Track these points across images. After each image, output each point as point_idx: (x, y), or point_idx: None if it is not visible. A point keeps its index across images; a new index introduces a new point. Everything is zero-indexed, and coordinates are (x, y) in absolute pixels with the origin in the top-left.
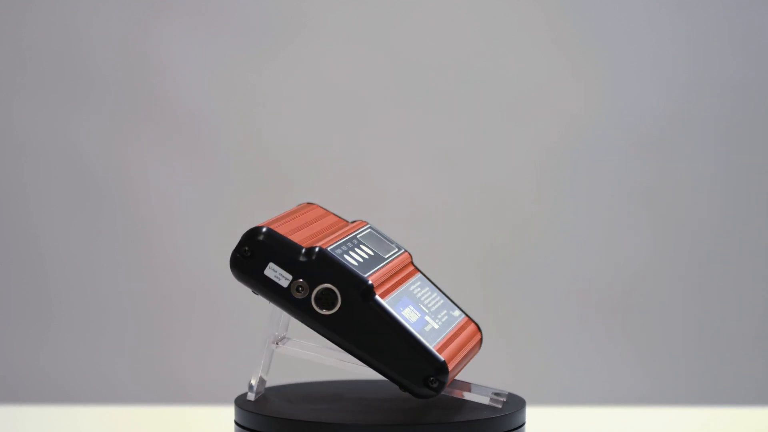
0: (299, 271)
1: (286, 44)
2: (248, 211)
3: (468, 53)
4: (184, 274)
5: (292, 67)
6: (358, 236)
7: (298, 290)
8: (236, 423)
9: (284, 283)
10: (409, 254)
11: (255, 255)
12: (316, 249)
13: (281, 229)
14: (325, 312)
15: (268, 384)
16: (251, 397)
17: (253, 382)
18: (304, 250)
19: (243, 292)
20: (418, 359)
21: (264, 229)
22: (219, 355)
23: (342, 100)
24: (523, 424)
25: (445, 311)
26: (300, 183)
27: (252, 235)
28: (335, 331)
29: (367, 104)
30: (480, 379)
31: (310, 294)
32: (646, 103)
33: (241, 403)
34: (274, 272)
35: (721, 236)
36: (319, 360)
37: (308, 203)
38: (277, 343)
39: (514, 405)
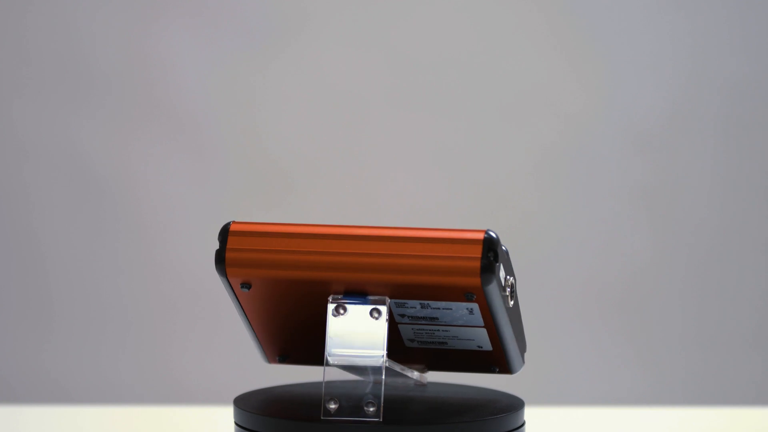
0: (507, 269)
1: (287, 45)
2: (248, 211)
3: (467, 53)
4: (184, 274)
5: (292, 68)
6: None
7: (509, 287)
8: (236, 423)
9: (502, 282)
10: None
11: (497, 259)
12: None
13: None
14: (511, 304)
15: (268, 384)
16: (381, 418)
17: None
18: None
19: None
20: (524, 338)
21: (495, 233)
22: (219, 355)
23: (342, 100)
24: (523, 424)
25: None
26: (300, 183)
27: (496, 240)
28: (511, 321)
29: (367, 104)
30: (479, 379)
31: (510, 289)
32: (646, 103)
33: (241, 403)
34: (502, 273)
35: (721, 236)
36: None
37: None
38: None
39: (514, 405)
